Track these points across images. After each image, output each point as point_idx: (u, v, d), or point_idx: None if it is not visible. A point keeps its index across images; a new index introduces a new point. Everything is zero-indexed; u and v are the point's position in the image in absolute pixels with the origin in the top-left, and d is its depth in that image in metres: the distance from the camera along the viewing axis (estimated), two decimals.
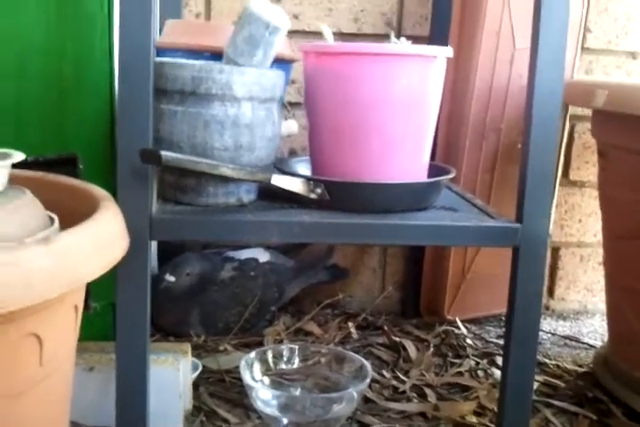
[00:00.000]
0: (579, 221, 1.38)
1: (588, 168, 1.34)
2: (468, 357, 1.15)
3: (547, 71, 0.77)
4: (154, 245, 1.11)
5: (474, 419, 0.96)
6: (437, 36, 1.17)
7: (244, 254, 1.21)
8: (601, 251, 1.12)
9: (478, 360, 1.14)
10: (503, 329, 1.24)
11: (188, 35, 0.96)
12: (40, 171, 0.75)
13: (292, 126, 1.06)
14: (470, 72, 1.14)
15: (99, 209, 0.62)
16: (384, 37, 1.21)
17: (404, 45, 0.83)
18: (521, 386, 0.83)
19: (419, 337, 1.23)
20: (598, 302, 1.41)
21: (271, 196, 0.83)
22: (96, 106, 0.92)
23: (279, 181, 0.78)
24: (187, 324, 1.15)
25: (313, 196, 0.80)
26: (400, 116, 0.81)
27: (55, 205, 0.67)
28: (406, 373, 1.08)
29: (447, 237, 0.80)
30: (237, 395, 0.99)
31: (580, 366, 1.15)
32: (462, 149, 1.17)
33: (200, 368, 0.99)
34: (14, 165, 0.62)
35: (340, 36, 1.22)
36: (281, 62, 0.92)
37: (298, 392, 0.96)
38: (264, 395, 0.90)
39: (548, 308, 1.42)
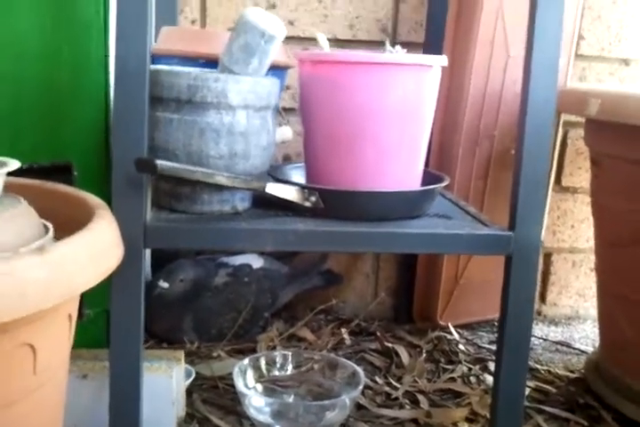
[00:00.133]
0: (571, 227, 1.39)
1: (580, 174, 1.35)
2: (460, 362, 1.16)
3: (540, 79, 0.77)
4: (147, 251, 1.11)
5: (466, 426, 0.97)
6: (432, 42, 1.18)
7: (238, 260, 1.21)
8: (593, 257, 1.12)
9: (471, 366, 1.15)
10: (496, 334, 1.25)
11: (183, 42, 0.96)
12: (34, 178, 0.75)
13: (286, 133, 1.06)
14: (464, 79, 1.14)
15: (93, 218, 0.62)
16: (379, 44, 1.22)
17: (399, 55, 0.83)
18: (513, 392, 0.84)
19: (411, 343, 1.23)
20: (590, 307, 1.41)
21: (266, 203, 0.83)
22: (91, 113, 0.92)
23: (274, 189, 0.78)
24: (180, 330, 1.15)
25: (307, 204, 0.80)
26: (395, 125, 0.81)
27: (50, 212, 0.67)
28: (399, 379, 1.09)
29: (441, 246, 0.80)
30: (230, 402, 0.99)
31: (572, 371, 1.16)
32: (456, 156, 1.18)
33: (193, 375, 0.99)
34: (8, 172, 0.62)
35: (336, 42, 1.22)
36: (276, 69, 0.92)
37: (291, 399, 0.96)
38: (257, 402, 0.90)
39: (539, 313, 1.42)
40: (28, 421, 0.59)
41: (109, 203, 0.69)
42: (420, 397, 1.03)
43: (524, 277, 0.81)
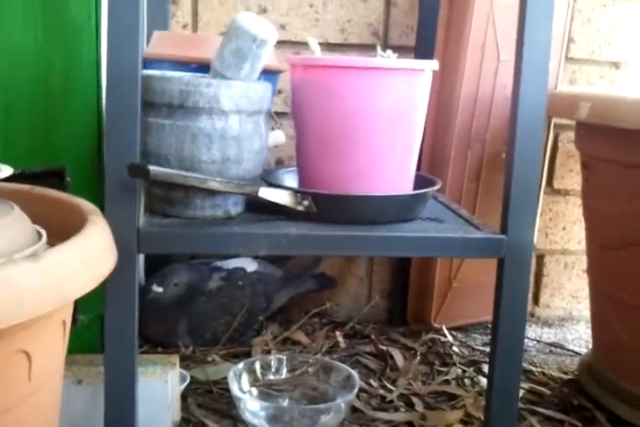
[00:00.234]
0: (563, 229, 1.39)
1: (572, 176, 1.36)
2: (454, 365, 1.16)
3: (530, 83, 0.78)
4: (141, 256, 1.11)
5: None
6: (423, 46, 1.18)
7: (232, 264, 1.21)
8: (585, 258, 1.13)
9: (465, 368, 1.15)
10: (489, 336, 1.25)
11: (175, 46, 0.97)
12: (27, 183, 0.75)
13: (279, 137, 1.06)
14: (456, 83, 1.15)
15: (87, 224, 0.62)
16: (371, 47, 1.22)
17: (390, 59, 0.84)
18: (507, 394, 0.84)
19: (406, 345, 1.23)
20: (583, 308, 1.42)
21: (259, 207, 0.84)
22: (83, 118, 0.92)
23: (267, 193, 0.79)
24: (174, 334, 1.15)
25: (300, 208, 0.81)
26: (387, 129, 0.82)
27: (42, 218, 0.67)
28: (394, 382, 1.09)
29: (433, 249, 0.81)
30: (226, 406, 0.99)
31: (566, 373, 1.16)
32: (448, 159, 1.18)
33: (188, 379, 0.99)
34: (1, 178, 0.62)
35: (327, 46, 1.23)
36: (268, 73, 0.92)
37: (286, 403, 0.96)
38: (252, 406, 0.91)
39: (533, 315, 1.43)
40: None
41: (102, 208, 0.69)
42: (415, 399, 1.04)
43: (516, 279, 0.81)
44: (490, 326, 1.26)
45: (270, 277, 1.23)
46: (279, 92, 1.19)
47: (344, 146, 0.82)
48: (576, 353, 1.25)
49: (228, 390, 0.95)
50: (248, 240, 0.77)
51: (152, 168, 0.70)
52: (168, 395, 0.89)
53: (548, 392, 1.08)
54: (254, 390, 0.97)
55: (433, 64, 0.83)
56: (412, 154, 0.86)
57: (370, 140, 0.82)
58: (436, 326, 1.28)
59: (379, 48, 0.87)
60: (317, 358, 1.06)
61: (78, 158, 0.92)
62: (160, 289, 1.14)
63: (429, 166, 1.21)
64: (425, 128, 0.88)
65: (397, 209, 0.83)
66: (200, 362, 1.11)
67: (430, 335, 1.26)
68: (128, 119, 0.72)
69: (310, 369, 1.01)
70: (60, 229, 0.65)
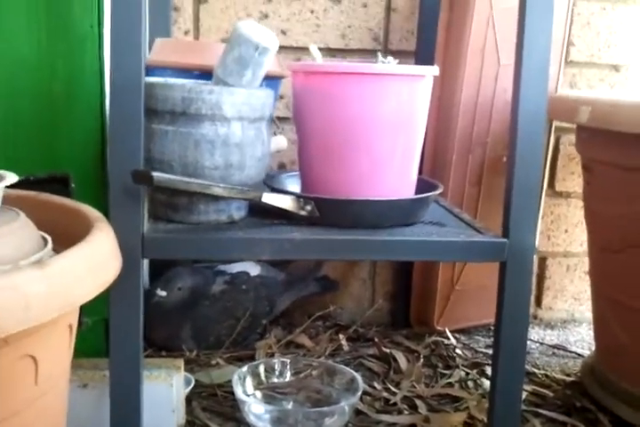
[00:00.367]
0: (565, 231, 1.40)
1: (573, 179, 1.36)
2: (457, 367, 1.17)
3: (531, 87, 0.78)
4: (145, 260, 1.12)
5: None
6: (424, 51, 1.19)
7: (235, 268, 1.22)
8: (587, 260, 1.13)
9: (468, 371, 1.15)
10: (492, 339, 1.26)
11: (177, 53, 0.97)
12: (31, 190, 0.75)
13: (281, 142, 1.07)
14: (456, 88, 1.16)
15: (92, 230, 0.63)
16: (371, 52, 1.23)
17: (391, 65, 0.84)
18: (510, 396, 0.85)
19: (409, 348, 1.24)
20: (585, 310, 1.42)
21: (261, 212, 0.84)
22: (87, 124, 0.93)
23: (270, 198, 0.79)
24: (179, 338, 1.16)
25: (303, 213, 0.81)
26: (388, 135, 0.82)
27: (47, 224, 0.67)
28: (397, 384, 1.10)
29: (435, 253, 0.81)
30: (230, 409, 1.00)
31: (568, 375, 1.17)
32: (449, 163, 1.19)
33: (193, 383, 1.00)
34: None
35: (328, 51, 1.23)
36: (270, 79, 0.93)
37: (290, 406, 0.97)
38: (256, 409, 0.91)
39: (535, 317, 1.43)
40: None
41: (106, 214, 0.70)
42: (419, 402, 1.04)
43: (518, 283, 0.82)
44: (492, 328, 1.28)
45: (273, 280, 1.24)
46: (281, 97, 1.20)
47: (346, 151, 0.82)
48: (578, 355, 1.26)
49: (232, 393, 0.96)
50: (251, 245, 0.77)
51: (156, 174, 0.71)
52: (173, 398, 0.90)
53: (551, 394, 1.08)
54: (258, 394, 0.98)
55: (433, 70, 0.84)
56: (414, 159, 0.87)
57: (371, 146, 0.82)
58: (439, 328, 1.29)
59: (379, 54, 0.88)
60: (321, 361, 1.07)
61: (81, 165, 0.93)
62: (164, 293, 1.15)
63: (431, 170, 1.22)
64: (426, 132, 0.89)
65: (399, 213, 0.84)
66: (204, 365, 1.12)
67: (433, 338, 1.27)
68: (131, 126, 0.73)
69: (314, 372, 1.02)
70: (65, 235, 0.66)
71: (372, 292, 1.37)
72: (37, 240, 0.63)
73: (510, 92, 0.80)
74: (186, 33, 1.22)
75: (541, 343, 1.31)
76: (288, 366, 1.02)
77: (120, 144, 0.74)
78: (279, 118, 1.22)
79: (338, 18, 1.23)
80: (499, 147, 1.20)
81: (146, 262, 1.17)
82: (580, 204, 1.30)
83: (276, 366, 1.02)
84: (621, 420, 0.99)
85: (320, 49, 0.91)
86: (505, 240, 0.80)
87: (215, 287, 1.18)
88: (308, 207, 0.81)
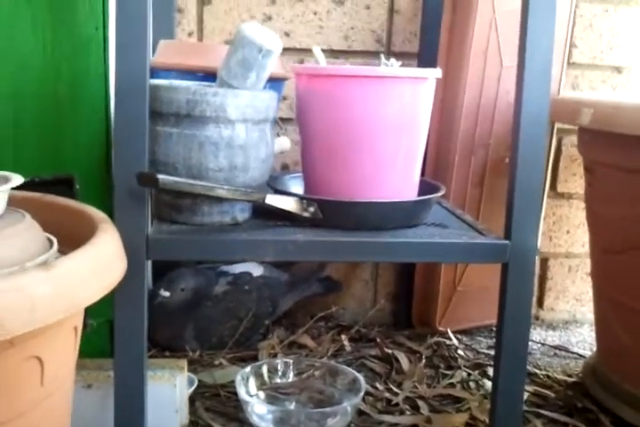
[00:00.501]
0: (567, 233, 1.40)
1: (575, 180, 1.36)
2: (459, 368, 1.17)
3: (533, 89, 0.79)
4: (149, 261, 1.12)
5: None
6: (426, 52, 1.19)
7: (238, 269, 1.22)
8: (589, 261, 1.14)
9: (470, 371, 1.16)
10: (494, 339, 1.26)
11: (181, 55, 0.98)
12: (36, 191, 0.76)
13: (284, 143, 1.08)
14: (459, 89, 1.16)
15: (97, 232, 0.63)
16: (374, 54, 1.24)
17: (394, 68, 0.85)
18: (512, 397, 0.85)
19: (411, 349, 1.24)
20: (587, 311, 1.43)
21: (265, 214, 0.85)
22: (92, 127, 0.93)
23: (273, 200, 0.80)
24: (182, 339, 1.17)
25: (306, 214, 0.82)
26: (391, 137, 0.83)
27: (53, 225, 0.68)
28: (399, 385, 1.10)
29: (437, 255, 0.82)
30: (233, 409, 1.00)
31: (570, 375, 1.17)
32: (452, 165, 1.19)
33: (196, 383, 1.00)
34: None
35: (331, 53, 1.24)
36: (273, 81, 0.93)
37: (293, 406, 0.97)
38: (259, 410, 0.92)
39: (537, 318, 1.44)
40: None
41: (111, 215, 0.71)
42: (420, 402, 1.04)
43: (520, 284, 0.82)
44: (494, 329, 1.28)
45: (276, 281, 1.24)
46: (284, 98, 1.21)
47: (349, 153, 0.83)
48: (580, 356, 1.26)
49: (235, 393, 0.96)
50: (255, 247, 0.78)
51: (161, 177, 0.71)
52: (176, 399, 0.90)
53: (553, 395, 1.09)
54: (261, 394, 0.98)
55: (436, 72, 0.84)
56: (417, 160, 0.87)
57: (374, 148, 0.83)
58: (441, 329, 1.29)
59: (382, 57, 0.88)
60: (323, 361, 1.07)
61: (86, 166, 0.93)
62: (167, 294, 1.16)
63: (433, 172, 1.22)
64: (429, 134, 0.89)
65: (402, 215, 0.84)
66: (207, 366, 1.13)
67: (435, 339, 1.27)
68: (136, 128, 0.74)
69: (317, 373, 1.02)
70: (70, 236, 0.67)
71: (374, 292, 1.37)
72: (43, 242, 0.64)
73: (513, 94, 0.80)
74: (189, 34, 1.22)
75: (543, 344, 1.32)
76: (291, 367, 1.03)
77: (125, 146, 0.74)
78: (282, 119, 1.23)
79: (341, 19, 1.24)
80: (501, 148, 1.20)
81: (149, 263, 1.18)
82: (582, 205, 1.31)
83: (279, 367, 1.02)
84: (623, 421, 0.99)
85: (323, 50, 0.92)
86: (507, 242, 0.81)
87: (218, 288, 1.19)
88: (312, 209, 0.82)
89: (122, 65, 0.73)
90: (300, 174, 0.93)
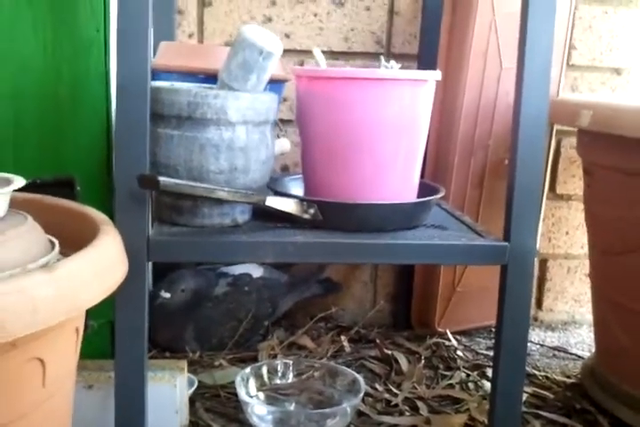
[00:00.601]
0: (566, 234, 1.40)
1: (574, 182, 1.37)
2: (458, 369, 1.17)
3: (532, 91, 0.79)
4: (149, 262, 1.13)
5: None
6: (426, 54, 1.20)
7: (238, 270, 1.22)
8: (588, 262, 1.14)
9: (469, 372, 1.16)
10: (493, 340, 1.27)
11: (181, 57, 0.98)
12: (37, 193, 0.76)
13: (284, 145, 1.08)
14: (459, 91, 1.16)
15: (98, 234, 0.64)
16: (374, 55, 1.24)
17: (394, 70, 0.85)
18: (510, 398, 0.85)
19: (410, 349, 1.24)
20: (586, 312, 1.43)
21: (265, 215, 0.85)
22: (93, 128, 0.94)
23: (273, 202, 0.80)
24: (182, 340, 1.17)
25: (306, 216, 0.82)
26: (391, 139, 0.83)
27: (54, 227, 0.68)
28: (398, 386, 1.10)
29: (437, 256, 0.82)
30: (233, 410, 1.00)
31: (569, 376, 1.17)
32: (451, 166, 1.20)
33: (196, 384, 1.01)
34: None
35: (331, 54, 1.24)
36: (273, 82, 0.94)
37: (292, 407, 0.98)
38: (259, 410, 0.92)
39: (536, 319, 1.44)
40: None
41: (111, 217, 0.71)
42: (420, 403, 1.05)
43: (519, 285, 0.82)
44: (494, 330, 1.29)
45: (276, 282, 1.24)
46: (284, 99, 1.21)
47: (349, 155, 0.83)
48: (579, 357, 1.26)
49: (235, 394, 0.96)
50: (255, 248, 0.78)
51: (162, 179, 0.71)
52: (177, 399, 0.90)
53: (552, 396, 1.09)
54: (261, 395, 0.98)
55: (436, 74, 0.85)
56: (416, 162, 0.88)
57: (374, 150, 0.83)
58: (440, 330, 1.29)
59: (382, 59, 0.89)
60: (323, 362, 1.08)
61: (87, 168, 0.94)
62: (167, 295, 1.16)
63: (433, 173, 1.23)
64: (428, 135, 0.89)
65: (402, 217, 0.85)
66: (207, 367, 1.13)
67: (434, 339, 1.27)
68: (137, 131, 0.74)
69: (316, 374, 1.03)
70: (71, 238, 0.67)
71: (373, 293, 1.37)
72: (45, 243, 0.64)
73: (512, 96, 0.81)
74: (190, 36, 1.23)
75: (542, 345, 1.32)
76: (290, 368, 1.03)
77: (126, 148, 0.74)
78: (282, 121, 1.23)
79: (341, 21, 1.24)
80: (500, 150, 1.20)
81: (149, 265, 1.18)
82: (581, 206, 1.31)
83: (279, 368, 1.03)
84: (621, 422, 1.00)
85: (323, 52, 0.92)
86: (506, 244, 0.81)
87: (218, 289, 1.19)
88: (312, 211, 0.82)
89: (123, 67, 0.73)
90: (300, 176, 0.94)
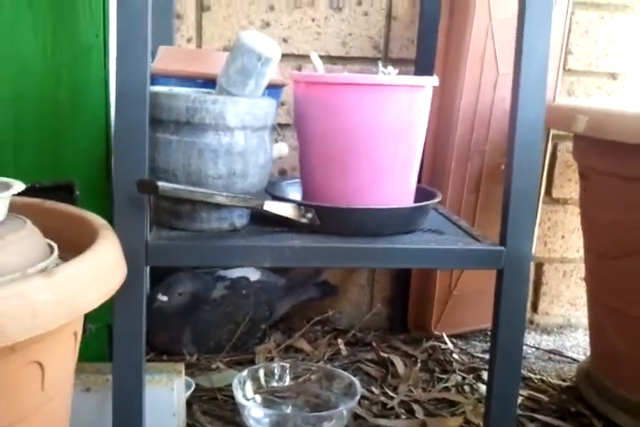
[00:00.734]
0: (561, 238, 1.41)
1: (570, 186, 1.38)
2: (454, 372, 1.18)
3: (529, 96, 0.79)
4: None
5: None
6: (424, 59, 1.20)
7: (236, 273, 1.23)
8: (583, 266, 1.15)
9: (464, 375, 1.17)
10: (489, 344, 1.27)
11: (180, 61, 0.99)
12: (36, 197, 0.76)
13: (282, 149, 1.08)
14: (455, 96, 1.17)
15: (97, 239, 0.64)
16: (372, 60, 1.25)
17: (391, 76, 0.86)
18: (506, 401, 0.86)
19: (406, 353, 1.25)
20: (581, 316, 1.44)
21: (263, 220, 0.85)
22: (92, 132, 0.94)
23: (271, 206, 0.81)
24: (179, 343, 1.17)
25: (304, 220, 0.83)
26: (388, 144, 0.84)
27: (53, 231, 0.68)
28: (394, 389, 1.11)
29: (433, 261, 0.83)
30: (230, 413, 1.01)
31: (564, 380, 1.18)
32: (448, 171, 1.20)
33: (193, 387, 1.01)
34: None
35: (329, 59, 1.25)
36: (271, 87, 0.94)
37: (289, 410, 0.98)
38: (256, 413, 0.92)
39: (532, 322, 1.45)
40: None
41: (110, 221, 0.71)
42: (416, 406, 1.05)
43: (515, 290, 0.83)
44: (489, 333, 1.29)
45: (273, 285, 1.25)
46: (282, 103, 1.22)
47: (347, 160, 0.84)
48: (574, 360, 1.27)
49: (232, 397, 0.97)
50: (253, 253, 0.79)
51: (161, 184, 0.72)
52: (174, 402, 0.91)
53: (547, 399, 1.10)
54: (258, 398, 0.99)
55: (433, 80, 0.85)
56: (413, 167, 0.88)
57: (372, 155, 0.84)
58: (436, 333, 1.30)
59: (380, 64, 0.89)
60: (320, 365, 1.08)
61: (86, 173, 0.94)
62: (165, 298, 1.16)
63: (430, 178, 1.23)
64: (425, 140, 0.90)
65: (399, 221, 0.85)
66: (205, 369, 1.13)
67: (431, 343, 1.28)
68: (136, 136, 0.74)
69: (313, 377, 1.03)
70: (70, 242, 0.67)
71: (370, 297, 1.38)
72: (44, 248, 0.64)
73: (509, 101, 0.81)
74: (188, 40, 1.23)
75: (537, 348, 1.33)
76: (287, 371, 1.03)
77: (125, 153, 0.75)
78: (280, 125, 1.24)
79: (339, 26, 1.25)
80: (497, 155, 1.21)
81: (147, 268, 1.18)
82: (577, 210, 1.32)
83: (276, 371, 1.03)
84: (616, 425, 1.00)
85: (321, 57, 0.93)
86: (502, 248, 0.82)
87: (215, 292, 1.19)
88: (309, 215, 0.83)
89: (122, 72, 0.74)
90: (298, 180, 0.94)
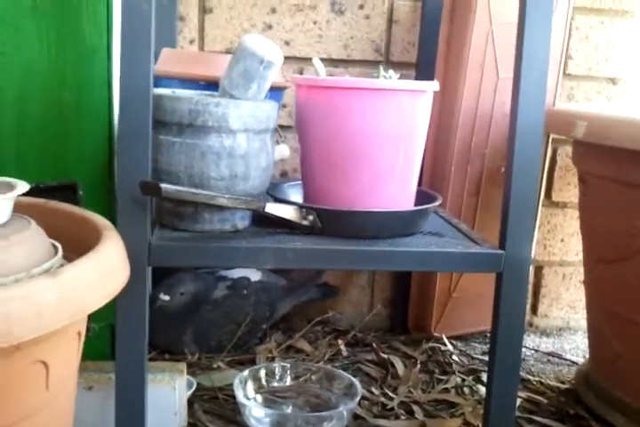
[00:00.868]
0: (561, 241, 1.42)
1: (569, 189, 1.38)
2: (453, 373, 1.18)
3: (529, 100, 0.80)
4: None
5: None
6: (424, 62, 1.21)
7: (237, 274, 1.23)
8: (582, 269, 1.15)
9: (464, 377, 1.17)
10: (488, 345, 1.27)
11: (183, 64, 0.99)
12: (40, 197, 0.77)
13: (284, 151, 1.09)
14: (456, 100, 1.18)
15: (101, 239, 0.65)
16: (373, 63, 1.25)
17: (393, 80, 0.87)
18: (505, 403, 0.87)
19: (406, 354, 1.26)
20: (580, 318, 1.44)
21: (265, 221, 0.86)
22: (95, 133, 0.95)
23: (273, 209, 0.81)
24: (181, 342, 1.18)
25: (305, 222, 0.83)
26: (389, 148, 0.84)
27: (57, 231, 0.69)
28: (394, 390, 1.12)
29: (433, 264, 0.83)
30: (231, 412, 1.01)
31: (563, 382, 1.18)
32: (448, 174, 1.21)
33: (194, 386, 1.01)
34: None
35: (330, 62, 1.26)
36: (273, 90, 0.95)
37: (290, 410, 0.99)
38: (257, 413, 0.93)
39: (531, 324, 1.45)
40: None
41: (113, 221, 0.72)
42: (415, 407, 1.06)
43: (514, 293, 0.83)
44: (489, 335, 1.29)
45: (274, 286, 1.26)
46: (284, 106, 1.22)
47: (348, 164, 0.84)
48: (573, 363, 1.28)
49: (233, 396, 0.98)
50: (255, 254, 0.79)
51: (164, 186, 0.73)
52: (176, 401, 0.91)
53: (545, 401, 1.10)
54: (259, 397, 1.00)
55: (434, 85, 0.86)
56: (414, 171, 0.89)
57: (373, 159, 0.84)
58: (436, 334, 1.30)
59: (381, 68, 0.90)
60: (320, 365, 1.09)
61: (89, 173, 0.95)
62: (167, 298, 1.17)
63: (430, 181, 1.24)
64: (426, 143, 0.90)
65: (399, 224, 0.86)
66: (206, 369, 1.14)
67: (430, 344, 1.28)
68: (140, 138, 0.75)
69: (313, 377, 1.04)
70: (74, 242, 0.68)
71: (370, 298, 1.39)
72: (48, 248, 0.65)
73: (509, 105, 0.82)
74: (191, 42, 1.24)
75: (536, 351, 1.33)
76: (288, 371, 1.04)
77: (128, 155, 0.76)
78: (282, 127, 1.24)
79: (340, 29, 1.25)
80: (497, 158, 1.22)
81: (149, 268, 1.19)
82: (576, 214, 1.32)
83: (277, 371, 1.04)
84: None
85: (322, 59, 0.93)
86: (502, 252, 0.82)
87: (217, 292, 1.20)
88: (311, 217, 0.83)
89: (126, 74, 0.74)
90: (299, 182, 0.95)
